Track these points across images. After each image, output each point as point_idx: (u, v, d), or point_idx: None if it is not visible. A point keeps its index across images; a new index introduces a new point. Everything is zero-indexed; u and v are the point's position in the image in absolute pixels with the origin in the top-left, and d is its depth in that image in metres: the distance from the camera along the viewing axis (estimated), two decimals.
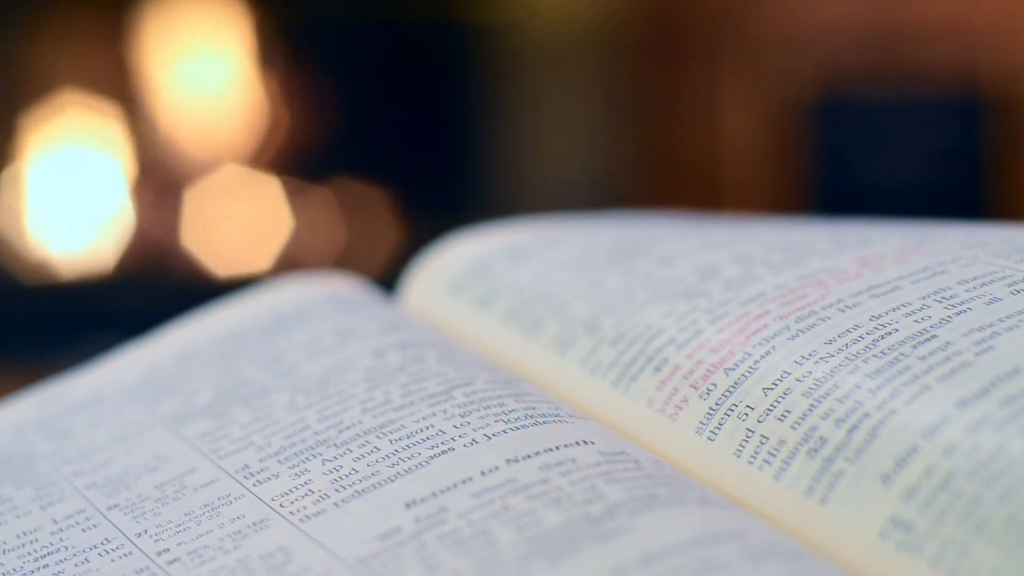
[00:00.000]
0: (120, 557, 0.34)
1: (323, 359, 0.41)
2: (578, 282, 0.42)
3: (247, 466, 0.36)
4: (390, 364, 0.39)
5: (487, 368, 0.39)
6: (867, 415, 0.32)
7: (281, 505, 0.34)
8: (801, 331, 0.36)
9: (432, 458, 0.34)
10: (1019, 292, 0.35)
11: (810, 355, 0.35)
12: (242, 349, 0.43)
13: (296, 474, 0.35)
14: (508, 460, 0.33)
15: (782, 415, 0.34)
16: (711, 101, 1.69)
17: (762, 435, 0.34)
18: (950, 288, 0.36)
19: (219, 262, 1.66)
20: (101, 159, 1.64)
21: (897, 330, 0.34)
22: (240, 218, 1.67)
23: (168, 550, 0.34)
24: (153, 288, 1.61)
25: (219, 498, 0.35)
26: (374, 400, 0.37)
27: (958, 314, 0.34)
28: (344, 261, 1.63)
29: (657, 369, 0.37)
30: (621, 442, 0.35)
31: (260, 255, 1.67)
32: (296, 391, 0.39)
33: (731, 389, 0.35)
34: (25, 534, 0.36)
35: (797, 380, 0.34)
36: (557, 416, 0.36)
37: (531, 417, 0.35)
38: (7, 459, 0.40)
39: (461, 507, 0.32)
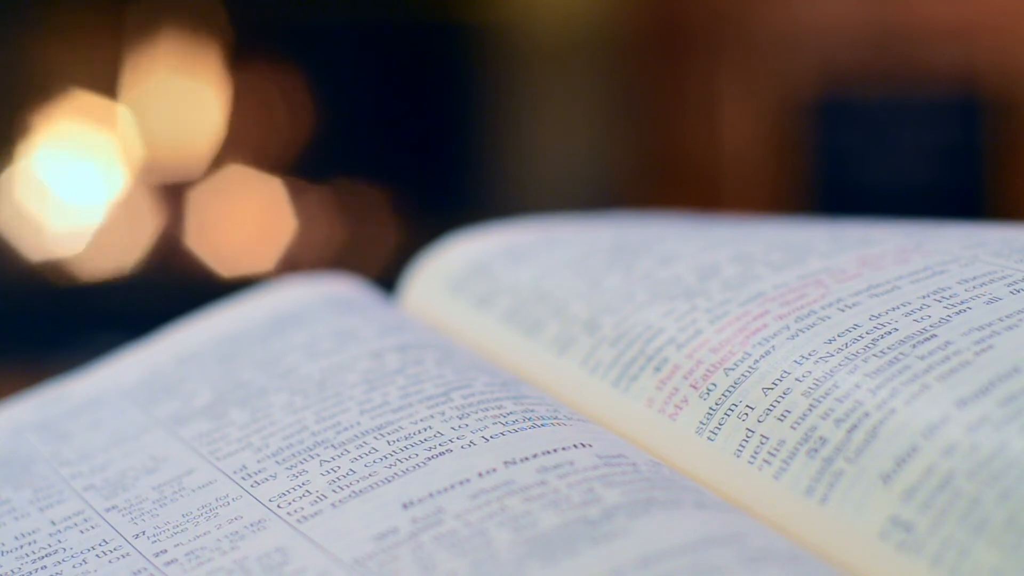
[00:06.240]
0: (118, 558, 0.34)
1: (321, 361, 0.41)
2: (578, 282, 0.42)
3: (245, 467, 0.36)
4: (388, 366, 0.39)
5: (485, 370, 0.39)
6: (867, 415, 0.32)
7: (279, 506, 0.34)
8: (801, 331, 0.36)
9: (429, 459, 0.34)
10: (1019, 292, 0.35)
11: (810, 355, 0.35)
12: (241, 351, 0.43)
13: (294, 475, 0.35)
14: (506, 462, 0.33)
15: (782, 415, 0.34)
16: (711, 101, 1.69)
17: (762, 435, 0.34)
18: (950, 288, 0.36)
19: (222, 262, 1.66)
20: (104, 159, 1.64)
21: (897, 329, 0.34)
22: (243, 218, 1.67)
23: (166, 551, 0.34)
24: (156, 288, 1.61)
25: (217, 499, 0.35)
26: (372, 402, 0.37)
27: (958, 313, 0.34)
28: (344, 261, 1.63)
29: (657, 369, 0.37)
30: (619, 445, 0.35)
31: (263, 255, 1.67)
32: (294, 392, 0.39)
33: (731, 389, 0.35)
34: (23, 535, 0.36)
35: (797, 380, 0.34)
36: (555, 418, 0.36)
37: (529, 419, 0.35)
38: (6, 461, 0.40)
39: (458, 508, 0.32)
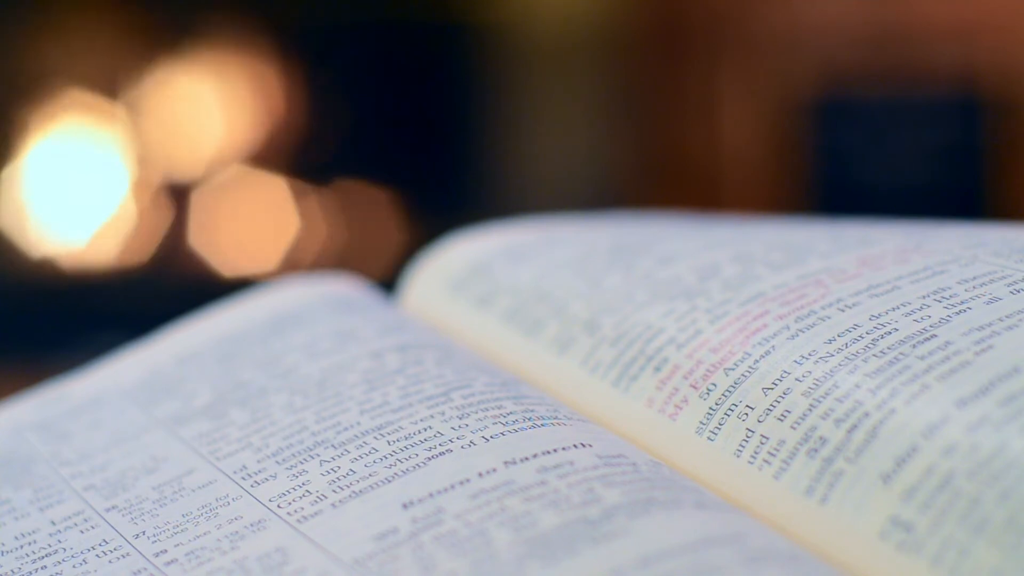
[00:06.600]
0: (118, 558, 0.34)
1: (321, 361, 0.41)
2: (578, 282, 0.42)
3: (245, 467, 0.36)
4: (388, 366, 0.39)
5: (485, 370, 0.39)
6: (867, 415, 0.32)
7: (279, 506, 0.34)
8: (801, 331, 0.36)
9: (430, 459, 0.34)
10: (1019, 292, 0.35)
11: (810, 355, 0.35)
12: (241, 351, 0.43)
13: (294, 475, 0.35)
14: (506, 462, 0.33)
15: (782, 415, 0.34)
16: (711, 101, 1.69)
17: (762, 435, 0.34)
18: (950, 288, 0.36)
19: (224, 262, 1.66)
20: (105, 158, 1.64)
21: (897, 329, 0.34)
22: (245, 218, 1.67)
23: (166, 551, 0.34)
24: (157, 288, 1.61)
25: (217, 499, 0.35)
26: (372, 402, 0.37)
27: (958, 314, 0.34)
28: (346, 261, 1.63)
29: (657, 369, 0.37)
30: (619, 445, 0.35)
31: (265, 255, 1.67)
32: (294, 392, 0.39)
33: (731, 389, 0.35)
34: (23, 535, 0.36)
35: (797, 380, 0.34)
36: (555, 418, 0.36)
37: (529, 419, 0.35)
38: (6, 461, 0.40)
39: (458, 508, 0.32)
